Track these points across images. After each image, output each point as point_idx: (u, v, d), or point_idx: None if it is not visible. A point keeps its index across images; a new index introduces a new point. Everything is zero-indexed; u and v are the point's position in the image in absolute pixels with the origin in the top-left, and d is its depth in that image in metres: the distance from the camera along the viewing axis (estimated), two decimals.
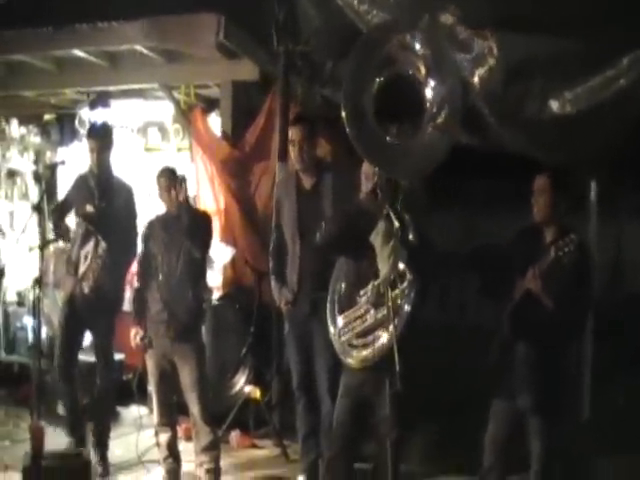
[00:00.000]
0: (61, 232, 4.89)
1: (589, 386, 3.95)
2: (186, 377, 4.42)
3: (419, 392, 3.17)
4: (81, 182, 4.97)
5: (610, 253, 4.69)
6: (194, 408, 4.42)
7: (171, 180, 4.50)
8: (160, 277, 4.46)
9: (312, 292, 4.34)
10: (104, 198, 4.79)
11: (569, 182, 3.67)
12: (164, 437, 4.47)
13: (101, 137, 4.91)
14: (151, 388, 4.61)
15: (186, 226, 4.44)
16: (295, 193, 4.48)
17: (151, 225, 4.61)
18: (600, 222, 4.08)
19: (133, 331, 4.56)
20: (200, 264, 4.54)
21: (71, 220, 5.06)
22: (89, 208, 4.75)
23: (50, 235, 4.64)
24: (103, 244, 4.70)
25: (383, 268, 3.27)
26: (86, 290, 4.76)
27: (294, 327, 4.48)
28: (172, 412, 4.56)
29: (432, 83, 3.10)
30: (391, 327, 3.15)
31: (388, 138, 3.23)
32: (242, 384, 5.38)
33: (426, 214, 3.54)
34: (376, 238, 3.29)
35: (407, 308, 3.26)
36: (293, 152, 4.43)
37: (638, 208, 4.52)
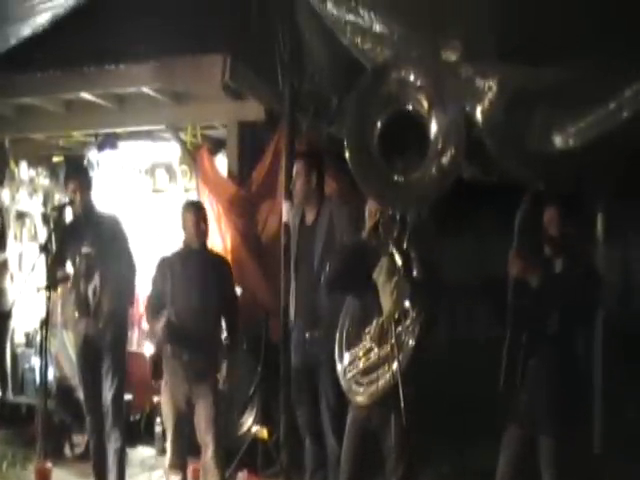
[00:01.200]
0: (55, 282, 4.91)
1: (600, 406, 3.89)
2: (202, 417, 4.40)
3: (427, 426, 3.15)
4: (70, 228, 5.05)
5: (619, 274, 4.69)
6: (208, 449, 4.40)
7: (198, 215, 4.54)
8: (176, 315, 4.45)
9: (307, 328, 4.34)
10: (96, 234, 4.84)
11: (577, 210, 3.68)
12: None
13: (79, 177, 5.02)
14: (166, 428, 4.56)
15: (209, 263, 4.46)
16: (298, 229, 4.51)
17: (167, 261, 4.61)
18: (608, 247, 4.08)
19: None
20: (221, 302, 4.51)
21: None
22: (85, 249, 4.79)
23: (44, 283, 4.67)
24: (109, 274, 4.72)
25: (386, 305, 3.28)
26: (100, 325, 4.76)
27: (296, 365, 4.45)
28: (185, 453, 4.51)
29: (435, 117, 3.13)
30: (395, 364, 3.15)
31: (393, 174, 3.27)
32: (250, 424, 5.33)
33: (434, 247, 3.54)
34: (379, 275, 3.31)
35: (411, 344, 3.25)
36: (295, 185, 4.46)
37: None
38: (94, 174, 5.32)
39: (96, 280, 4.77)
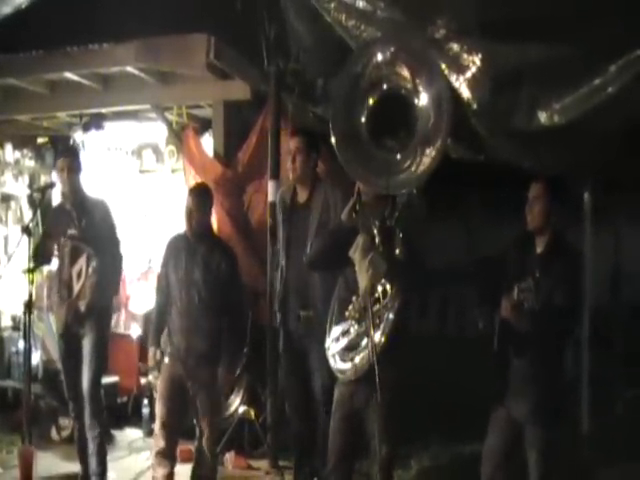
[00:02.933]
0: (39, 264, 4.90)
1: (588, 396, 3.90)
2: (202, 402, 4.38)
3: (414, 404, 3.15)
4: (58, 210, 5.00)
5: (606, 262, 4.67)
6: (204, 433, 4.39)
7: (205, 200, 4.50)
8: (180, 301, 4.42)
9: (298, 309, 4.33)
10: (83, 217, 4.78)
11: (563, 191, 3.67)
12: (162, 472, 4.37)
13: (70, 157, 4.94)
14: (158, 410, 4.52)
15: (212, 250, 4.43)
16: (289, 207, 4.48)
17: (174, 243, 4.58)
18: (595, 231, 4.06)
19: (152, 350, 4.51)
20: (223, 290, 4.49)
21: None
22: (71, 231, 4.74)
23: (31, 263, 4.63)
24: (94, 261, 4.67)
25: (362, 282, 3.27)
26: (82, 308, 4.72)
27: (287, 345, 4.45)
28: (174, 439, 4.47)
29: (421, 94, 3.10)
30: (372, 341, 3.15)
31: (380, 155, 3.25)
32: (237, 405, 5.32)
33: (424, 227, 3.53)
34: (355, 253, 3.29)
35: (390, 321, 3.25)
36: (288, 163, 4.43)
37: (633, 215, 4.50)
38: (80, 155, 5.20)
39: (81, 264, 4.73)
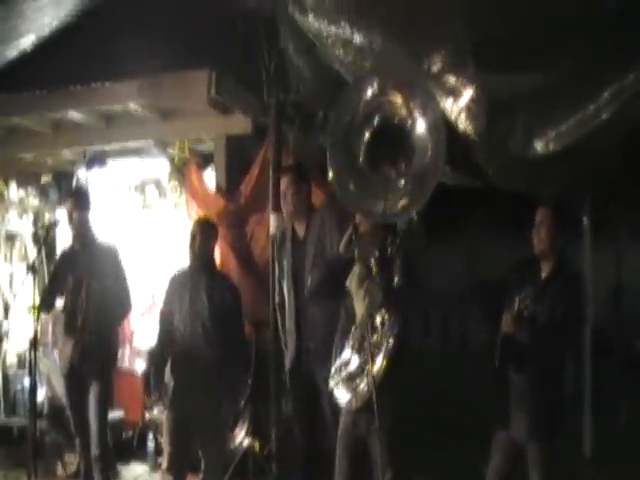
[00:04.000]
0: (48, 303, 4.99)
1: (590, 413, 3.89)
2: (208, 435, 4.39)
3: (416, 428, 3.16)
4: (67, 253, 5.07)
5: (608, 278, 4.69)
6: (210, 465, 4.42)
7: (209, 234, 4.54)
8: (184, 334, 4.44)
9: (306, 341, 4.34)
10: (90, 261, 4.84)
11: (562, 213, 3.72)
12: None
13: (78, 197, 5.03)
14: (165, 443, 4.53)
15: (215, 283, 4.46)
16: (290, 243, 4.52)
17: (177, 278, 4.61)
18: (596, 249, 4.10)
19: (156, 385, 4.53)
20: (227, 322, 4.50)
21: None
22: (79, 274, 4.81)
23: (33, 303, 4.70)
24: (93, 285, 4.72)
25: (359, 311, 3.30)
26: (87, 339, 4.75)
27: (295, 377, 4.45)
28: (182, 474, 4.48)
29: (416, 119, 3.16)
30: (370, 369, 3.17)
31: (378, 185, 3.29)
32: (242, 437, 5.31)
33: (425, 252, 3.56)
34: (351, 282, 3.32)
35: (390, 347, 3.27)
36: (283, 202, 4.48)
37: (633, 233, 4.54)
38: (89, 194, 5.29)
39: (83, 295, 4.77)
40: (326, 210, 4.54)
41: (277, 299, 4.74)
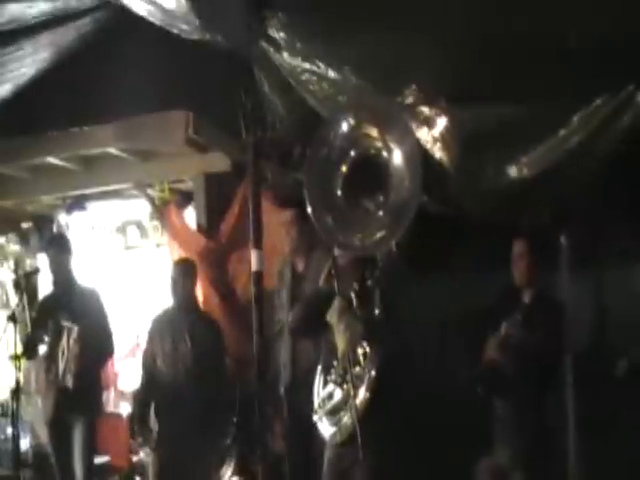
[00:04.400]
0: (30, 351, 4.96)
1: (574, 440, 3.88)
2: (195, 475, 4.34)
3: (403, 457, 3.14)
4: (48, 299, 5.06)
5: (589, 306, 4.71)
6: None
7: (189, 274, 4.53)
8: (167, 375, 4.42)
9: (301, 373, 4.32)
10: (72, 305, 4.83)
11: (541, 239, 3.76)
12: None
13: (59, 243, 5.04)
14: None
15: (197, 323, 4.43)
16: (290, 279, 4.54)
17: (159, 320, 4.60)
18: (576, 275, 4.13)
19: (140, 428, 4.48)
20: (210, 362, 4.46)
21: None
22: (61, 320, 4.79)
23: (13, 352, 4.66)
24: (75, 330, 4.69)
25: (341, 345, 3.30)
26: (69, 383, 4.70)
27: (295, 414, 4.42)
28: None
29: (392, 149, 3.20)
30: (353, 402, 3.15)
31: (356, 219, 3.32)
32: (228, 476, 5.25)
33: (406, 283, 3.57)
34: (332, 316, 3.33)
35: (372, 379, 3.26)
36: (289, 235, 4.52)
37: (614, 257, 4.57)
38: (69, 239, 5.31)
39: (64, 340, 4.74)
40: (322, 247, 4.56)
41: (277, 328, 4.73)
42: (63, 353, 4.76)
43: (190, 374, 4.42)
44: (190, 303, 4.60)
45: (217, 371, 4.47)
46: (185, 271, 4.57)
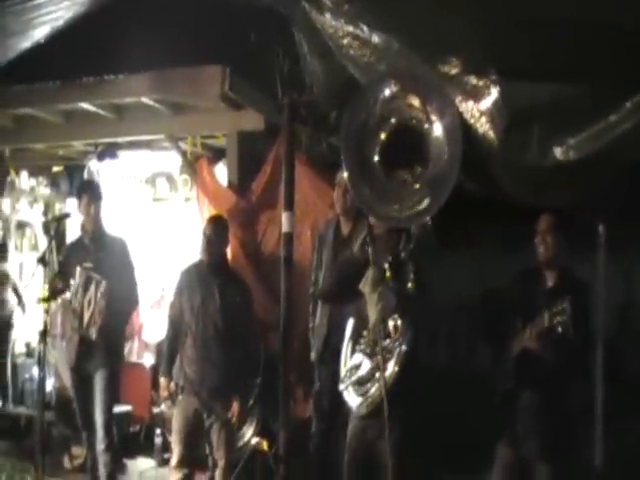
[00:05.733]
0: (54, 294, 5.01)
1: (601, 432, 3.87)
2: (216, 433, 4.40)
3: (424, 438, 3.14)
4: (76, 244, 5.09)
5: (619, 294, 4.65)
6: (218, 463, 4.46)
7: (222, 233, 4.53)
8: (194, 331, 4.44)
9: (336, 338, 4.33)
10: (99, 251, 4.86)
11: (575, 224, 3.68)
12: None
13: (90, 189, 5.05)
14: (174, 440, 4.55)
15: (228, 282, 4.45)
16: (333, 240, 4.52)
17: (188, 273, 4.60)
18: (609, 263, 4.06)
19: (164, 381, 4.53)
20: (238, 321, 4.49)
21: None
22: (87, 265, 4.81)
23: (42, 294, 4.71)
24: (104, 284, 4.72)
25: (372, 315, 3.28)
26: (93, 336, 4.76)
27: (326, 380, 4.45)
28: (190, 472, 4.50)
29: (433, 121, 3.14)
30: (382, 375, 3.15)
31: (393, 189, 3.27)
32: (250, 436, 5.31)
33: (436, 260, 3.53)
34: (364, 286, 3.30)
35: (402, 353, 3.24)
36: (336, 195, 4.48)
37: None
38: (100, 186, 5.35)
39: (91, 292, 4.78)
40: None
41: (311, 290, 4.74)
42: (90, 304, 4.80)
43: (217, 331, 4.43)
44: (221, 261, 4.58)
45: (244, 331, 4.48)
46: (218, 229, 4.55)
